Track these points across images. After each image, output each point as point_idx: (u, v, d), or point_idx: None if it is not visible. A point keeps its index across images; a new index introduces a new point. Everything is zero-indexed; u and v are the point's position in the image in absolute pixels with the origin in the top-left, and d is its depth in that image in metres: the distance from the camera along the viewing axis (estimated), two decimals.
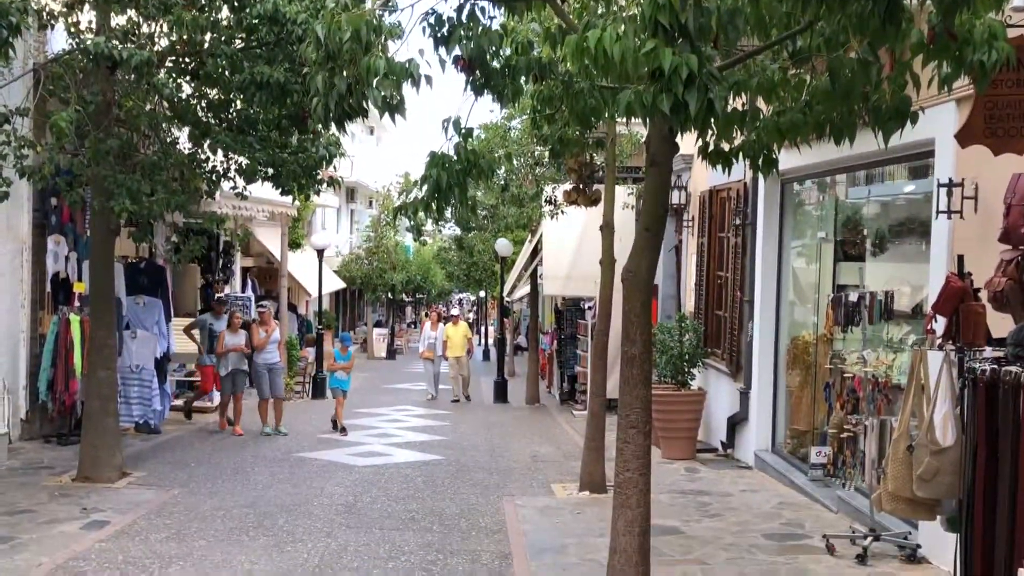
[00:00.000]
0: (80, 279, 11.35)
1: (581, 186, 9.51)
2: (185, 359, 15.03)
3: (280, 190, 9.66)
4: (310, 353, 18.78)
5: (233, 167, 9.64)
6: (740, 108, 4.24)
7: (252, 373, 12.66)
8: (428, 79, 4.21)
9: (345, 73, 4.13)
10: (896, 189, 8.58)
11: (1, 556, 6.21)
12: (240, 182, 9.67)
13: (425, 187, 4.56)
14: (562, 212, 12.68)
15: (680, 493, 8.91)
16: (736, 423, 10.97)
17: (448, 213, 18.25)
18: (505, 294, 21.98)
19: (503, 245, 19.30)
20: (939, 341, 5.21)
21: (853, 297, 7.08)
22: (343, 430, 12.61)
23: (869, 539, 6.54)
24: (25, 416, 10.70)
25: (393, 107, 4.45)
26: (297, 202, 16.62)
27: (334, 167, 10.00)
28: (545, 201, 13.27)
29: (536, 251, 19.08)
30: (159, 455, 10.49)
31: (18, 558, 6.18)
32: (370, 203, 39.32)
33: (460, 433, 13.26)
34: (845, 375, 7.16)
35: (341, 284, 29.20)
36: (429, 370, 18.44)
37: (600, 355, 9.16)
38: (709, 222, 12.49)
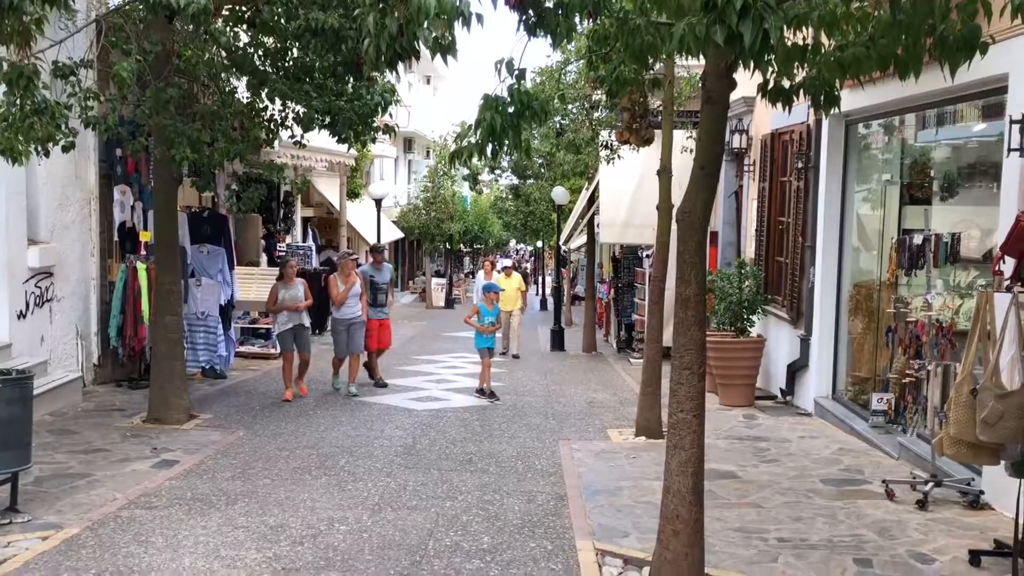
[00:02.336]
0: (146, 228, 11.66)
1: (634, 125, 9.33)
2: (248, 307, 15.41)
3: (336, 138, 9.73)
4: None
5: (290, 115, 9.74)
6: (801, 43, 4.11)
7: (332, 330, 11.63)
8: (479, 17, 4.16)
9: (396, 14, 4.10)
10: (965, 130, 8.28)
11: (78, 491, 6.50)
12: (297, 130, 9.77)
13: (479, 131, 4.51)
14: (619, 157, 12.50)
15: (737, 439, 8.88)
16: (796, 370, 10.85)
17: (504, 161, 18.25)
18: (562, 243, 21.91)
19: (560, 193, 19.19)
20: (1007, 283, 5.06)
21: (918, 240, 6.90)
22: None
23: (930, 485, 6.45)
24: (97, 361, 11.09)
25: (444, 48, 4.41)
26: (354, 151, 16.78)
27: (390, 114, 10.02)
28: (601, 146, 13.08)
29: (593, 199, 18.94)
30: (225, 399, 10.80)
31: (94, 493, 6.46)
32: (427, 153, 39.34)
33: (517, 379, 13.37)
34: (908, 320, 7.01)
35: (399, 234, 29.46)
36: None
37: (657, 301, 9.11)
38: (771, 166, 12.24)
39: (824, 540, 5.65)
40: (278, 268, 17.15)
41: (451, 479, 7.12)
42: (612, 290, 19.15)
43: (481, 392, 11.35)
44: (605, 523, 6.01)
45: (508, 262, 17.93)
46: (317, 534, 5.62)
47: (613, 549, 5.45)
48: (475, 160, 4.89)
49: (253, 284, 15.23)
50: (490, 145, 4.53)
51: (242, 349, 14.98)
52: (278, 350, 14.84)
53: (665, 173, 8.89)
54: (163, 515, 5.98)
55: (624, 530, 5.87)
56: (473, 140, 4.58)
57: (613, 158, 12.44)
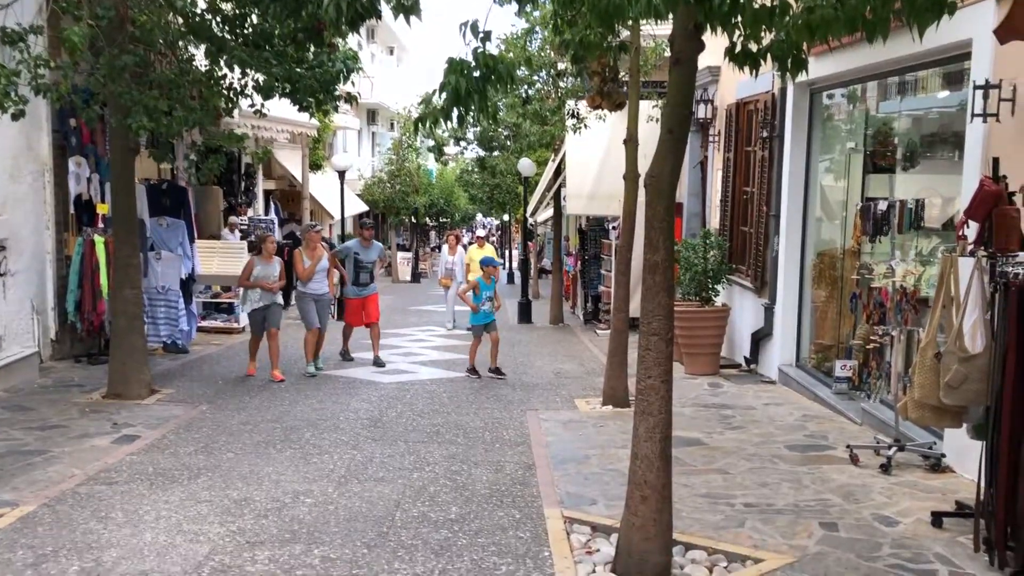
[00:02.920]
0: (103, 200, 11.39)
1: (605, 88, 9.24)
2: (211, 281, 15.18)
3: (298, 106, 9.54)
4: (335, 274, 18.81)
5: (250, 84, 9.52)
6: (769, 4, 4.05)
7: (298, 303, 11.12)
8: None
9: None
10: (928, 99, 8.30)
11: (34, 468, 6.35)
12: (257, 99, 9.56)
13: (443, 95, 4.40)
14: (585, 127, 12.42)
15: (703, 407, 8.93)
16: (760, 338, 10.93)
17: (469, 133, 17.94)
18: (528, 214, 21.84)
19: (526, 165, 19.08)
20: (971, 247, 5.09)
21: (883, 205, 6.92)
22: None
23: (893, 449, 6.52)
24: (55, 336, 10.86)
25: (407, 8, 4.31)
26: (316, 120, 16.52)
27: (352, 83, 9.84)
28: (568, 115, 12.98)
29: (559, 171, 18.86)
30: (187, 373, 10.64)
31: (51, 470, 6.32)
32: (391, 125, 38.96)
33: (484, 352, 13.30)
34: (872, 287, 7.06)
35: (364, 207, 29.17)
36: (449, 298, 16.78)
37: (624, 271, 9.09)
38: (735, 136, 12.24)
39: (790, 505, 5.69)
40: (244, 240, 17.11)
41: (418, 451, 7.08)
42: (578, 262, 19.16)
43: (473, 371, 10.86)
44: (573, 491, 6.00)
45: (482, 232, 17.35)
46: (282, 507, 5.55)
47: (581, 516, 5.45)
48: (440, 129, 4.80)
49: (215, 258, 15.00)
50: (456, 110, 4.42)
51: (204, 324, 14.78)
52: (241, 324, 14.82)
53: (631, 142, 8.83)
54: (123, 490, 5.87)
55: (592, 498, 5.86)
56: (438, 105, 4.48)
57: (580, 127, 12.36)
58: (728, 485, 6.15)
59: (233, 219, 17.94)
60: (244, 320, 15.03)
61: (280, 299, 10.69)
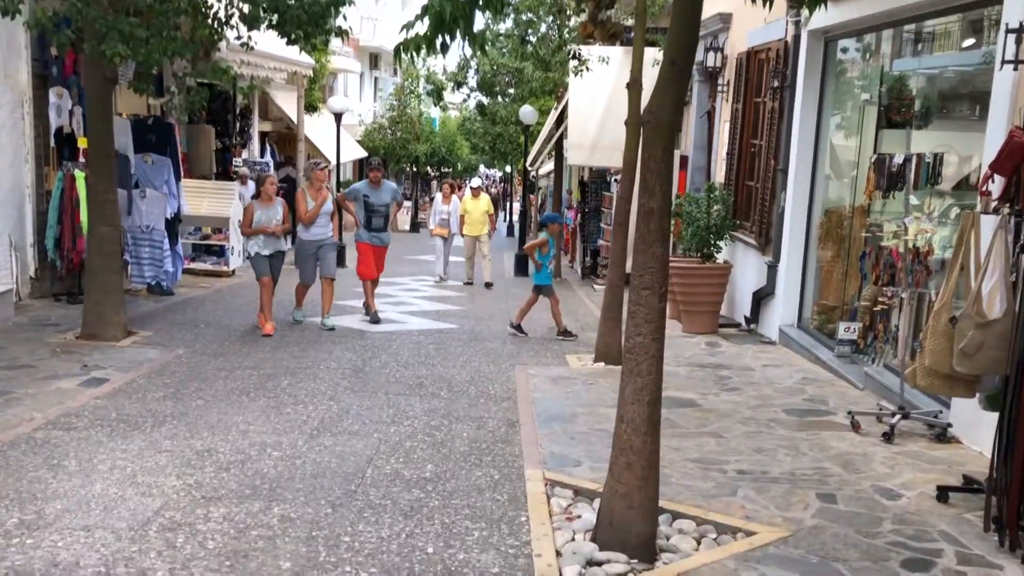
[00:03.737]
0: (85, 134, 10.94)
1: (599, 16, 8.70)
2: (199, 222, 14.80)
3: (286, 39, 9.06)
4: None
5: (236, 14, 9.03)
6: None
7: (297, 253, 10.21)
8: None
9: None
10: (948, 52, 7.84)
11: None
12: (244, 31, 9.08)
13: (427, 20, 3.98)
14: (587, 68, 11.87)
15: (699, 366, 8.60)
16: (762, 297, 10.56)
17: (471, 79, 17.23)
18: (529, 164, 21.32)
19: (527, 112, 18.52)
20: (995, 203, 4.69)
21: (898, 159, 6.49)
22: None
23: (897, 417, 6.19)
24: (34, 274, 10.50)
25: None
26: (311, 59, 15.96)
27: (343, 16, 9.34)
28: (570, 56, 12.42)
29: (561, 119, 18.33)
30: (169, 316, 10.31)
31: (10, 412, 6.00)
32: (395, 71, 38.20)
33: (477, 304, 12.99)
34: (883, 245, 6.67)
35: (363, 153, 28.62)
36: (440, 249, 16.05)
37: (622, 223, 8.70)
38: (745, 86, 11.74)
39: (786, 473, 5.37)
40: (237, 181, 16.64)
41: (398, 403, 6.75)
42: (578, 215, 18.72)
43: (519, 330, 10.14)
44: (557, 451, 5.68)
45: (478, 182, 16.63)
46: (246, 460, 5.23)
47: (564, 479, 5.12)
48: (422, 61, 4.38)
49: (205, 198, 14.62)
50: (440, 37, 4.00)
51: (193, 266, 14.45)
52: (231, 268, 14.47)
53: (635, 86, 8.37)
54: (82, 437, 5.55)
55: (577, 459, 5.55)
56: (421, 31, 4.05)
57: (581, 69, 11.80)
58: (721, 450, 5.83)
59: (243, 170, 17.46)
60: (234, 263, 14.73)
61: (285, 245, 9.79)
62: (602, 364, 8.57)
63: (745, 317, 10.89)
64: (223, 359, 8.06)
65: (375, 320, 10.46)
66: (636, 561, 4.03)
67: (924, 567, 4.04)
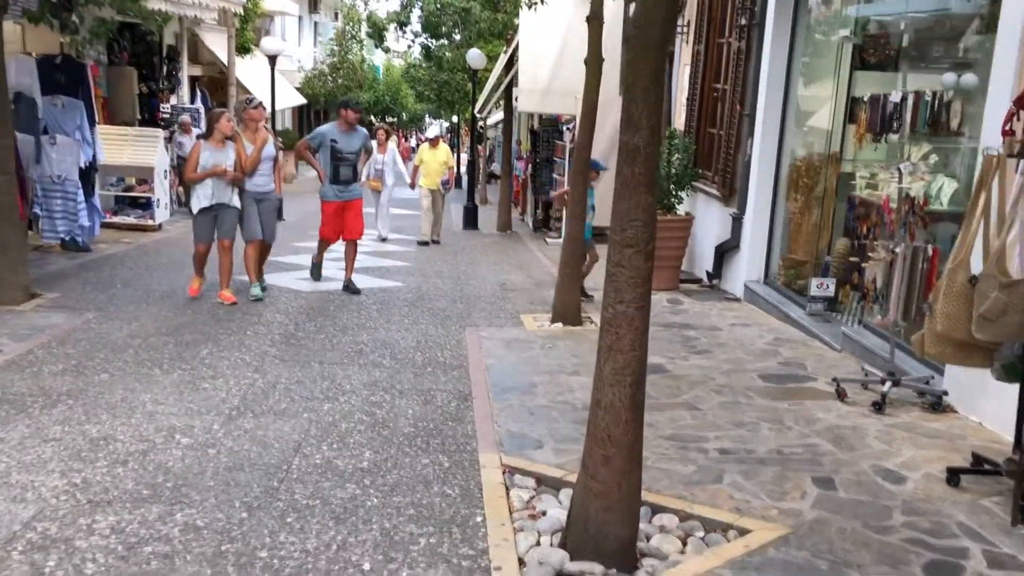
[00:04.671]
0: None
1: None
2: (122, 172, 13.69)
3: None
4: (287, 168, 17.29)
5: None
6: None
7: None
8: None
9: None
10: None
11: None
12: None
13: None
14: (542, 2, 10.97)
15: (663, 326, 7.96)
16: (725, 251, 9.96)
17: (415, 20, 15.81)
18: (477, 111, 20.38)
19: (475, 56, 17.54)
20: (1019, 145, 4.05)
21: (895, 97, 5.84)
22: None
23: (888, 384, 5.61)
24: None
25: None
26: None
27: None
28: None
29: (511, 64, 17.42)
30: (82, 275, 9.34)
31: None
32: (335, 15, 36.62)
33: (424, 259, 12.19)
34: (862, 196, 6.06)
35: (302, 100, 27.33)
36: (374, 203, 13.85)
37: (581, 170, 7.95)
38: (707, 27, 11.02)
39: (773, 452, 4.76)
40: (177, 130, 15.46)
41: (334, 375, 5.98)
42: (529, 166, 17.91)
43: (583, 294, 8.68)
44: (515, 430, 4.99)
45: (436, 130, 15.17)
46: (148, 450, 4.43)
47: (524, 465, 4.44)
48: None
49: (127, 146, 13.47)
50: None
51: (116, 219, 13.38)
52: (157, 222, 13.41)
53: (596, 20, 7.57)
54: None
55: (538, 438, 4.86)
56: None
57: (535, 3, 10.90)
58: (698, 424, 5.19)
59: (185, 117, 16.20)
60: (160, 216, 13.67)
61: (236, 199, 8.21)
62: (560, 325, 7.89)
63: (707, 272, 10.29)
64: (138, 324, 7.19)
65: (354, 291, 9.10)
66: (614, 571, 3.37)
67: (952, 572, 3.45)
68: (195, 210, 8.09)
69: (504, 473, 4.34)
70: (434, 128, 15.51)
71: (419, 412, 5.28)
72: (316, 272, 9.63)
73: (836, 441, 4.95)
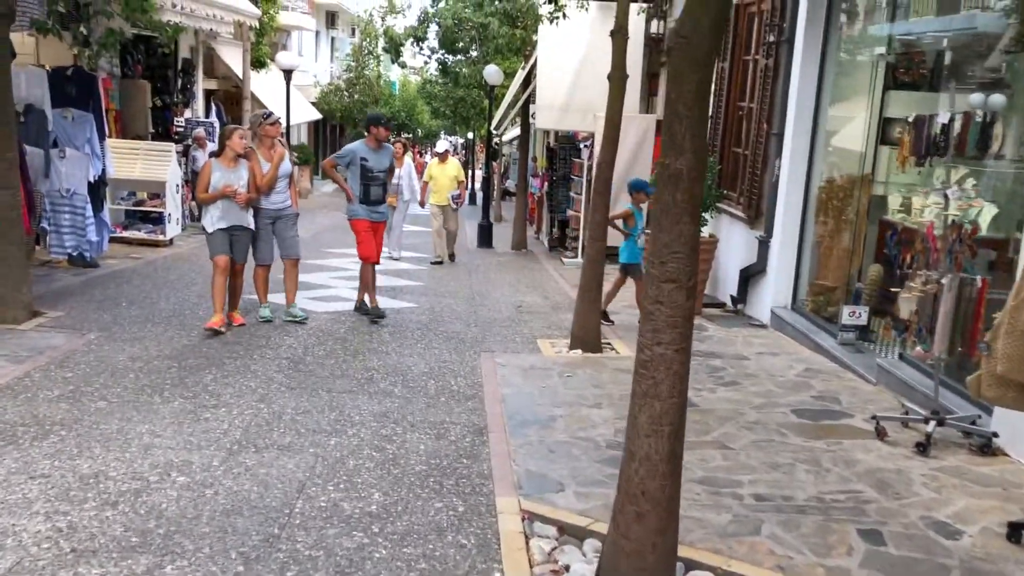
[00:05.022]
0: None
1: None
2: (133, 186, 13.48)
3: None
4: (302, 182, 17.07)
5: None
6: None
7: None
8: None
9: None
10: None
11: None
12: None
13: None
14: (563, 16, 10.68)
15: None
16: (750, 275, 9.62)
17: (431, 37, 15.52)
18: (493, 128, 20.13)
19: (492, 72, 17.30)
20: None
21: (943, 118, 5.51)
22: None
23: (932, 424, 5.25)
24: None
25: None
26: (256, 9, 14.61)
27: None
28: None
29: (528, 80, 17.18)
30: (88, 292, 9.08)
31: None
32: (352, 31, 36.59)
33: (437, 278, 11.90)
34: (912, 221, 5.72)
35: (317, 115, 27.18)
36: (389, 220, 12.14)
37: (603, 191, 7.64)
38: (733, 43, 10.72)
39: (813, 499, 4.41)
40: (179, 143, 15.26)
41: (343, 405, 5.67)
42: (545, 184, 17.62)
43: (604, 316, 8.50)
44: (535, 469, 4.67)
45: (445, 145, 14.50)
46: (142, 490, 4.12)
47: (545, 511, 4.11)
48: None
49: (138, 160, 13.28)
50: None
51: (125, 234, 13.15)
52: (168, 236, 13.19)
53: (620, 33, 7.28)
54: None
55: (559, 480, 4.53)
56: None
57: (557, 16, 10.59)
58: (731, 466, 4.85)
59: (199, 131, 16.00)
60: (171, 231, 13.44)
61: (250, 220, 7.83)
62: (579, 351, 7.57)
63: (731, 297, 9.94)
64: (141, 346, 6.90)
65: (378, 316, 8.55)
66: None
67: None
68: (209, 229, 7.67)
69: (523, 519, 4.02)
70: (443, 143, 14.78)
71: (432, 448, 4.96)
72: (377, 313, 8.63)
73: (880, 487, 4.60)
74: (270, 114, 8.31)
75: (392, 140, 8.83)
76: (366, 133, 8.63)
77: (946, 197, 5.23)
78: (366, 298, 8.83)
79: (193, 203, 14.88)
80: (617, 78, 7.39)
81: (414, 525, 3.90)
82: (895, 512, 4.27)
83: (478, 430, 5.33)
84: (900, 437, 5.42)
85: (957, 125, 5.32)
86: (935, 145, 5.46)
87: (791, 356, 7.72)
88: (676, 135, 2.77)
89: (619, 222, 8.76)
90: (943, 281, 5.17)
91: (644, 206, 8.89)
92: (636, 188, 9.02)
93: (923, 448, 5.15)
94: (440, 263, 13.38)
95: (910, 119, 6.02)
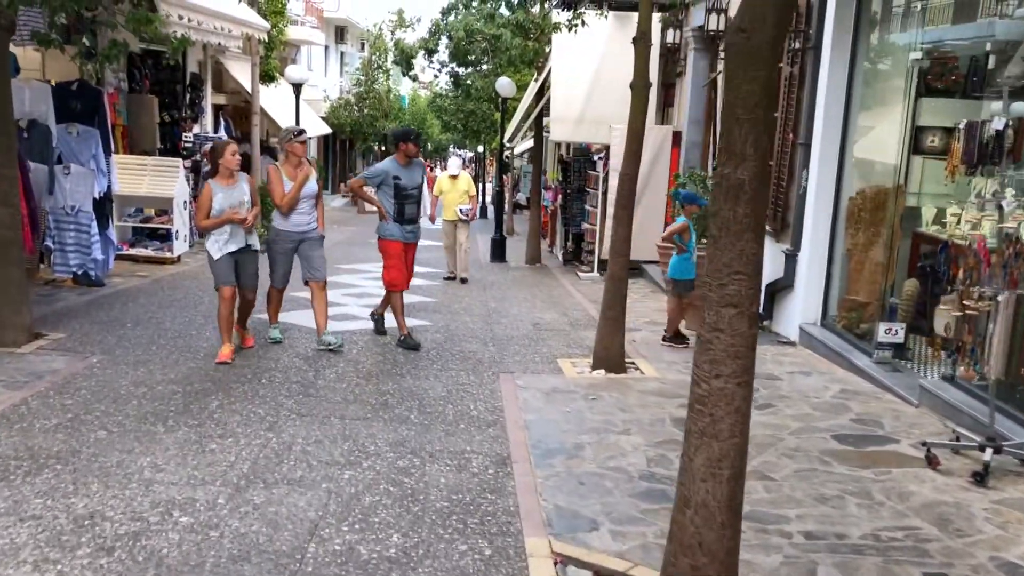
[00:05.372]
0: None
1: None
2: (140, 203, 13.23)
3: None
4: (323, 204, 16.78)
5: None
6: None
7: (270, 248, 7.67)
8: None
9: None
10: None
11: None
12: None
13: None
14: (582, 23, 10.37)
15: None
16: (777, 291, 9.26)
17: (443, 49, 15.27)
18: (506, 140, 19.85)
19: (505, 84, 17.02)
20: None
21: (997, 124, 5.17)
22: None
23: (989, 452, 4.90)
24: None
25: None
26: (265, 22, 14.38)
27: None
28: (561, 6, 10.83)
29: (542, 93, 16.91)
30: (91, 312, 8.79)
31: None
32: (362, 46, 36.46)
33: (451, 294, 11.58)
34: (950, 234, 5.38)
35: (327, 129, 26.98)
36: None
37: (625, 205, 7.32)
38: None
39: (868, 537, 4.06)
40: (187, 158, 15.00)
41: (356, 433, 5.34)
42: (559, 196, 17.31)
43: (677, 338, 8.42)
44: (564, 505, 4.33)
45: (457, 165, 13.85)
46: (141, 532, 3.79)
47: (579, 554, 3.77)
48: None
49: (146, 176, 13.04)
50: None
51: (132, 252, 12.88)
52: (176, 254, 12.92)
53: (643, 40, 6.98)
54: None
55: (592, 517, 4.19)
56: None
57: (576, 24, 10.29)
58: (775, 499, 4.50)
59: (207, 148, 15.76)
60: (179, 248, 13.18)
61: (256, 240, 7.31)
62: (602, 372, 7.23)
63: (757, 313, 9.58)
64: (145, 370, 6.60)
65: (411, 346, 7.89)
66: None
67: None
68: (215, 256, 7.02)
69: (556, 564, 3.68)
70: (454, 161, 14.00)
71: (453, 481, 4.62)
72: (409, 342, 7.96)
73: (940, 523, 4.24)
74: (301, 131, 7.70)
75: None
76: (395, 150, 8.18)
77: (1000, 208, 4.89)
78: (382, 318, 8.52)
79: None
80: (640, 87, 7.08)
81: (437, 571, 3.56)
82: (960, 552, 3.91)
83: (501, 460, 5.00)
84: (952, 465, 5.07)
85: (1011, 132, 4.98)
86: (986, 153, 5.13)
87: (825, 376, 7.37)
88: (735, 141, 2.45)
89: (675, 237, 8.53)
90: (999, 298, 4.82)
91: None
92: (688, 200, 8.72)
93: (981, 478, 4.79)
94: (453, 279, 13.00)
95: (960, 126, 5.67)
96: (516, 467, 4.88)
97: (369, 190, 8.56)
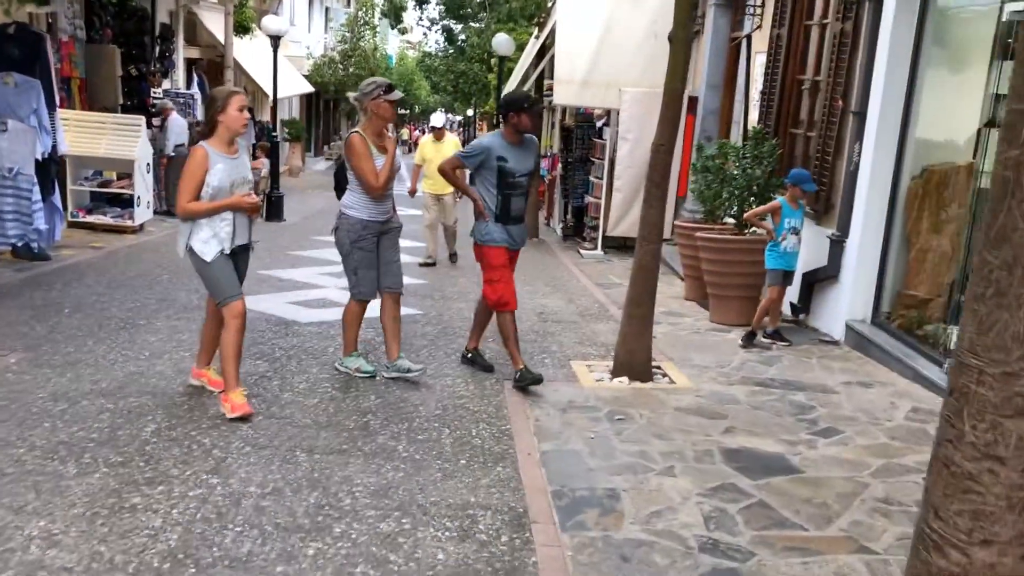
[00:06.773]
0: None
1: None
2: (97, 165, 11.92)
3: None
4: (264, 165, 15.48)
5: None
6: None
7: (345, 245, 5.72)
8: None
9: None
10: None
11: None
12: None
13: None
14: None
15: (758, 385, 6.13)
16: (817, 281, 8.10)
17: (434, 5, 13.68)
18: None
19: (502, 41, 15.66)
20: None
21: None
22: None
23: None
24: None
25: None
26: None
27: None
28: None
29: (543, 52, 15.58)
30: (26, 293, 7.55)
31: None
32: (348, 1, 34.80)
33: (444, 275, 10.36)
34: None
35: (309, 88, 25.49)
36: None
37: (659, 182, 6.09)
38: (792, 6, 9.15)
39: None
40: (149, 116, 13.65)
41: (327, 476, 4.13)
42: (558, 166, 16.03)
43: (776, 336, 7.40)
44: None
45: (439, 119, 11.93)
46: None
47: None
48: None
49: (104, 136, 11.73)
50: None
51: (90, 219, 11.63)
52: (137, 222, 11.62)
53: None
54: None
55: None
56: None
57: None
58: None
59: (165, 103, 14.34)
60: (141, 216, 11.88)
61: (253, 236, 5.18)
62: (625, 380, 6.06)
63: (792, 305, 8.42)
64: (72, 374, 5.37)
65: (532, 381, 5.72)
66: None
67: None
68: (208, 257, 4.80)
69: None
70: (439, 116, 12.03)
71: (455, 557, 3.44)
72: (529, 377, 5.75)
73: None
74: (391, 86, 5.70)
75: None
76: (503, 122, 5.98)
77: None
78: (475, 344, 6.49)
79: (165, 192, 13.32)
80: (681, 39, 5.83)
81: None
82: None
83: (516, 519, 3.81)
84: None
85: None
86: None
87: (887, 388, 6.23)
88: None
89: (766, 219, 7.49)
90: None
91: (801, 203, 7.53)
92: (795, 181, 7.36)
93: None
94: (432, 264, 10.82)
95: None
96: (536, 531, 3.70)
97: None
